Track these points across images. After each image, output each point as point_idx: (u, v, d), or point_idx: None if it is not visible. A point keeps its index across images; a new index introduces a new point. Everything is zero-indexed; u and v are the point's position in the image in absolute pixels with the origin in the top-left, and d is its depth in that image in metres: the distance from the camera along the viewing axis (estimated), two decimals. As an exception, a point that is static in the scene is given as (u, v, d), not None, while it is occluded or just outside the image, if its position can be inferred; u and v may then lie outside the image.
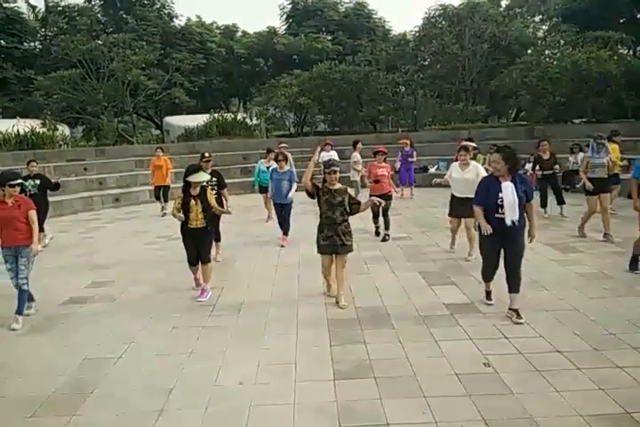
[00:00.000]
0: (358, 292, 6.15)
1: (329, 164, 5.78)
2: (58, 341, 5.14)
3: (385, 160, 8.89)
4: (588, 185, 8.04)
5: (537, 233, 5.30)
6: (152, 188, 13.41)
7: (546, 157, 10.04)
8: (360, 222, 9.43)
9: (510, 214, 4.88)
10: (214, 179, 7.70)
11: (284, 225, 8.99)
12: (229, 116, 21.92)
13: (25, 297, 5.64)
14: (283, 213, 8.96)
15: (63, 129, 20.30)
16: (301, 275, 6.97)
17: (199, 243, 6.21)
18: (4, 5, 27.26)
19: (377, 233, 9.17)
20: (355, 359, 4.38)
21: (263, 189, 10.75)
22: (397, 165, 14.09)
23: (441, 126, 22.54)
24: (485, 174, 6.93)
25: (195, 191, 6.19)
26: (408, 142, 14.11)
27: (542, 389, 3.78)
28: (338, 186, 5.72)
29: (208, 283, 6.28)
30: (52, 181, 9.33)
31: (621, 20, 24.18)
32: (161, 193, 12.84)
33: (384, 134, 20.34)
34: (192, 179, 6.13)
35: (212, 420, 3.61)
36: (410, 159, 13.92)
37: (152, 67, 24.73)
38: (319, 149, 6.91)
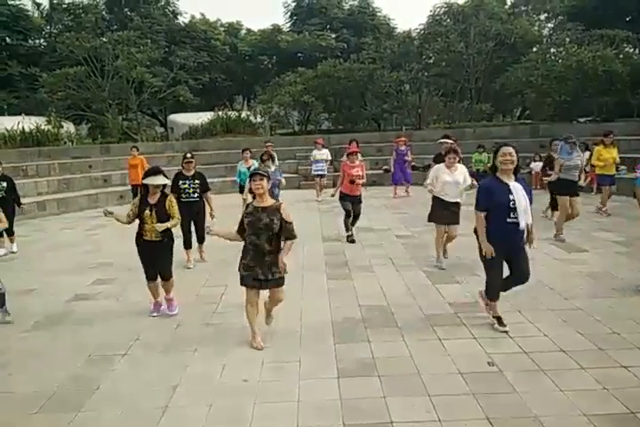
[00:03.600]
0: (362, 290, 6.15)
1: (254, 170, 4.96)
2: (63, 337, 5.16)
3: (357, 159, 8.79)
4: (550, 178, 8.48)
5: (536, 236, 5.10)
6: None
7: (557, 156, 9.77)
8: (365, 221, 9.42)
9: (524, 217, 4.55)
10: (197, 181, 7.42)
11: None
12: (233, 114, 21.95)
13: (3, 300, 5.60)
14: None
15: (68, 126, 20.37)
16: (305, 274, 6.96)
17: (156, 258, 5.51)
18: (9, 2, 27.31)
19: (352, 241, 8.67)
20: (359, 358, 4.39)
21: (243, 191, 10.62)
22: (391, 164, 14.03)
23: (445, 125, 22.50)
24: (469, 175, 7.01)
25: (152, 199, 5.45)
26: (405, 141, 14.04)
27: (546, 388, 3.78)
28: (268, 202, 4.56)
29: (171, 293, 5.70)
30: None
31: (627, 18, 24.05)
32: (138, 192, 12.87)
33: (388, 133, 20.31)
34: (148, 181, 5.41)
35: (216, 417, 3.62)
36: (406, 158, 13.84)
37: (156, 64, 24.75)
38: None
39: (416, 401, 3.68)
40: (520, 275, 4.79)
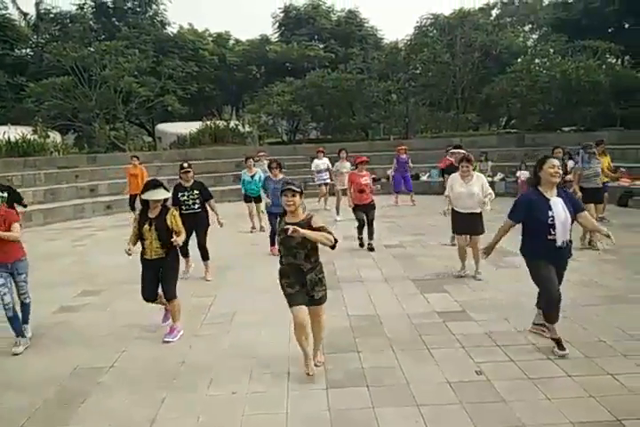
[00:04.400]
0: (351, 300, 6.15)
1: (284, 183, 4.35)
2: (48, 350, 5.10)
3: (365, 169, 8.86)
4: (579, 195, 8.04)
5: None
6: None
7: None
8: (354, 230, 9.44)
9: (562, 235, 4.39)
10: (196, 191, 7.18)
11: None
12: (222, 123, 21.97)
13: (30, 310, 5.43)
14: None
15: (55, 136, 20.24)
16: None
17: (161, 277, 5.22)
18: (-5, 12, 27.26)
19: (361, 244, 8.97)
20: (348, 368, 4.38)
21: (248, 199, 10.77)
22: (390, 173, 14.19)
23: (432, 134, 22.72)
24: (488, 185, 6.85)
25: (152, 213, 5.14)
26: (405, 149, 14.24)
27: (534, 396, 3.80)
28: (300, 217, 4.14)
29: (177, 321, 5.34)
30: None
31: (610, 30, 24.49)
32: (135, 202, 12.83)
33: (376, 142, 20.46)
34: (147, 196, 5.08)
35: (204, 430, 3.59)
36: (407, 165, 14.03)
37: (144, 74, 24.73)
38: None
39: (405, 411, 3.68)
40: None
